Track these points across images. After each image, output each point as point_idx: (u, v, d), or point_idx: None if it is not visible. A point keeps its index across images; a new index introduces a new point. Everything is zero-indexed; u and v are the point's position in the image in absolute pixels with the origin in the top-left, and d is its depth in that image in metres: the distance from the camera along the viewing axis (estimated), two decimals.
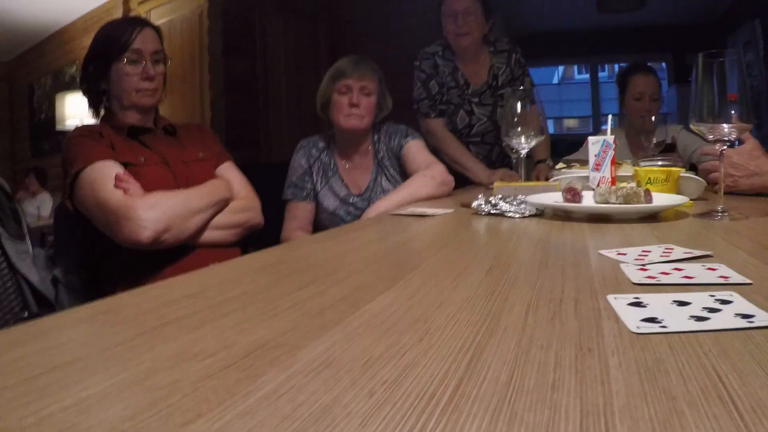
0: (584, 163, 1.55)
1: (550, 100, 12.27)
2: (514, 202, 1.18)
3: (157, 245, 1.36)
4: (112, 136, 1.52)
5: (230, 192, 1.58)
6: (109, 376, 0.39)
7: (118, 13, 5.03)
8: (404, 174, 2.01)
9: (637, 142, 2.57)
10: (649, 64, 3.22)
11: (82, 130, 1.54)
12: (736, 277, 0.59)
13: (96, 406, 0.34)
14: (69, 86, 5.70)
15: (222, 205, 1.53)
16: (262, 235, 1.71)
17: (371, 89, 1.97)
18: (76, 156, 1.43)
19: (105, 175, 1.38)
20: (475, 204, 1.23)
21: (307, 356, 0.41)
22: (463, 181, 2.36)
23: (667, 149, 2.29)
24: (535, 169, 2.33)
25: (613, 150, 1.36)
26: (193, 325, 0.51)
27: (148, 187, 1.41)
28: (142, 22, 1.62)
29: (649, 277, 0.60)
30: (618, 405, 0.31)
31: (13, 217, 1.45)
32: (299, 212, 2.01)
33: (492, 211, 1.19)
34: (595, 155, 1.36)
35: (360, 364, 0.39)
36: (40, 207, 5.46)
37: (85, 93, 1.64)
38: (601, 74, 8.68)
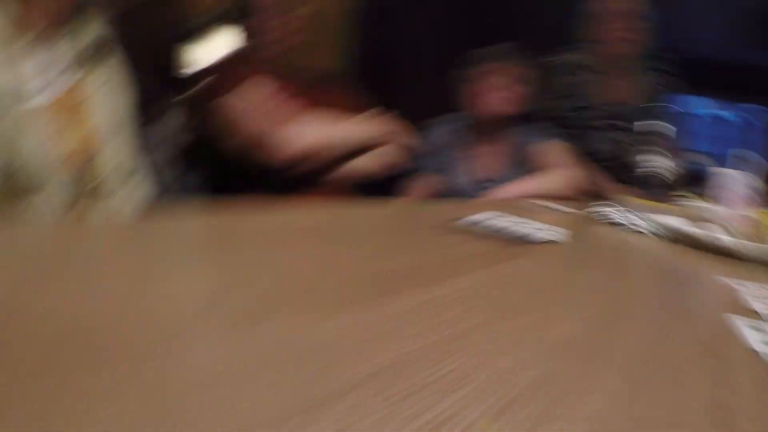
0: (716, 197, 1.53)
1: (691, 131, 11.63)
2: (642, 218, 1.20)
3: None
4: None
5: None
6: None
7: None
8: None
9: None
10: None
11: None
12: None
13: None
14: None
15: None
16: None
17: (517, 74, 1.99)
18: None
19: (253, 103, 1.50)
20: (605, 210, 1.26)
21: (448, 288, 0.48)
22: None
23: None
24: (664, 194, 2.26)
25: (754, 187, 1.35)
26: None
27: None
28: None
29: None
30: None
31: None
32: (423, 184, 2.00)
33: (621, 221, 1.22)
34: (733, 191, 1.35)
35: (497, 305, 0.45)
36: None
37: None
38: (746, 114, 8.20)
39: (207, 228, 0.61)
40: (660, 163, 1.59)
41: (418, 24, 3.84)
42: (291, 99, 1.60)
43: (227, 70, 1.59)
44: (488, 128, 2.03)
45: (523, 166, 2.02)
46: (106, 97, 1.13)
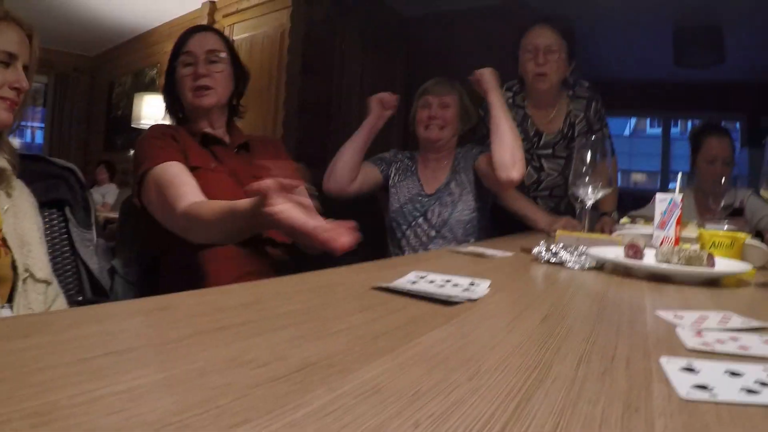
0: (649, 219, 1.54)
1: (620, 151, 12.00)
2: (575, 253, 1.18)
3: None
4: (185, 139, 1.56)
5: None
6: (162, 369, 0.42)
7: (203, 22, 5.23)
8: (478, 184, 2.22)
9: (704, 204, 2.51)
10: (723, 124, 3.16)
11: (155, 131, 1.57)
12: None
13: (147, 396, 0.36)
14: (148, 87, 5.94)
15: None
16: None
17: (449, 103, 2.23)
18: (146, 155, 1.47)
19: (172, 175, 1.40)
20: (535, 250, 1.23)
21: (358, 379, 0.43)
22: (520, 227, 2.32)
23: (734, 213, 2.24)
24: (599, 221, 2.26)
25: (680, 209, 1.35)
26: (247, 333, 0.54)
27: (214, 192, 1.41)
28: (202, 27, 1.70)
29: (705, 343, 0.61)
30: None
31: (84, 206, 1.52)
32: (367, 170, 2.27)
33: (552, 260, 1.20)
34: (662, 213, 1.36)
35: (408, 394, 0.40)
36: (105, 195, 5.69)
37: (165, 101, 1.72)
38: (673, 130, 8.51)
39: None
40: (592, 193, 1.59)
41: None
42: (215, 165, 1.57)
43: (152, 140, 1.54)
44: (431, 154, 2.29)
45: (461, 177, 2.24)
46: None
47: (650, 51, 6.13)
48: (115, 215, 4.22)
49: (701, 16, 5.14)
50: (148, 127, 1.65)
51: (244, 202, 1.08)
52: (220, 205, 1.21)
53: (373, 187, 2.31)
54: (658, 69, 6.51)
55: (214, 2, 5.21)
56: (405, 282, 0.84)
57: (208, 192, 1.41)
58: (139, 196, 1.49)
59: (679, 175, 1.48)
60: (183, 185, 1.37)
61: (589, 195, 1.57)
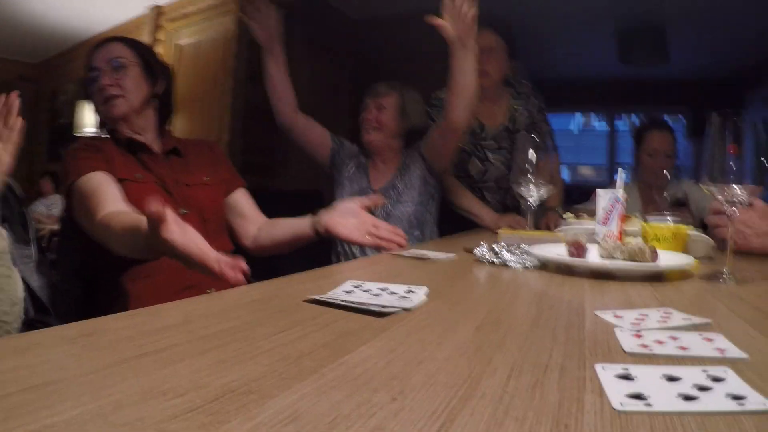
0: (593, 213, 1.54)
1: (568, 146, 12.34)
2: (517, 252, 1.16)
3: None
4: (110, 149, 1.53)
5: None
6: (79, 404, 0.39)
7: (147, 28, 5.12)
8: (424, 181, 2.28)
9: (648, 196, 2.56)
10: (666, 118, 3.22)
11: (80, 143, 1.55)
12: (732, 351, 0.57)
13: None
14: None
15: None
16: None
17: (385, 104, 2.29)
18: (70, 169, 1.44)
19: (94, 186, 1.39)
20: (477, 251, 1.21)
21: (275, 407, 0.40)
22: (470, 224, 2.36)
23: (678, 204, 2.27)
24: (545, 217, 2.30)
25: (623, 204, 1.35)
26: (169, 359, 0.51)
27: (141, 204, 1.37)
28: (107, 39, 1.65)
29: (643, 345, 0.59)
30: None
31: (21, 222, 1.46)
32: (318, 129, 2.39)
33: (494, 260, 1.18)
34: (603, 208, 1.35)
35: (327, 421, 0.38)
36: (50, 207, 5.52)
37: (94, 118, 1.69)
38: (619, 122, 8.69)
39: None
40: (535, 191, 1.58)
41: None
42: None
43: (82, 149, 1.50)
44: (376, 155, 2.35)
45: (408, 180, 2.30)
46: None
47: (596, 49, 6.24)
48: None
49: (645, 16, 5.25)
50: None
51: (146, 222, 1.01)
52: (130, 218, 1.18)
53: (315, 146, 2.39)
54: (604, 66, 6.62)
55: (159, 7, 5.10)
56: (339, 292, 0.80)
57: (135, 204, 1.38)
58: (70, 210, 1.46)
59: (620, 170, 1.47)
60: (103, 194, 1.36)
61: (532, 193, 1.56)
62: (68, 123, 5.92)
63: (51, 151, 6.61)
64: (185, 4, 4.84)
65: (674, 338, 0.62)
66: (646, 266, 1.06)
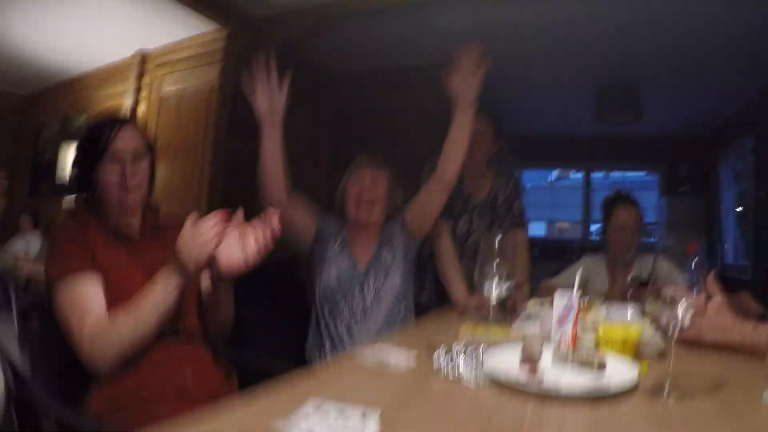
0: (564, 287, 1.61)
1: (544, 202, 12.71)
2: (473, 361, 1.23)
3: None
4: (96, 237, 1.56)
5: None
6: None
7: (133, 72, 5.18)
8: (406, 251, 2.35)
9: (616, 273, 2.68)
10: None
11: (71, 225, 1.58)
12: None
13: None
14: (75, 134, 5.82)
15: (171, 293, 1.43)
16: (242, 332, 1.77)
17: (380, 178, 2.32)
18: (56, 257, 1.49)
19: (74, 298, 1.44)
20: (435, 357, 1.27)
21: None
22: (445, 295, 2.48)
23: (643, 284, 2.36)
24: (513, 294, 2.38)
25: (578, 308, 1.42)
26: None
27: (124, 295, 1.44)
28: (122, 121, 1.65)
29: None
30: None
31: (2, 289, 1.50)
32: (306, 212, 2.34)
33: (449, 374, 1.23)
34: (560, 312, 1.43)
35: None
36: (29, 243, 5.47)
37: (75, 188, 1.69)
38: (596, 175, 8.86)
39: None
40: (497, 288, 1.66)
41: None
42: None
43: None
44: (359, 228, 2.34)
45: (392, 251, 2.33)
46: None
47: (573, 106, 6.42)
48: (39, 269, 4.08)
49: (620, 76, 5.44)
50: (62, 220, 1.64)
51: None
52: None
53: (298, 231, 2.34)
54: (581, 123, 6.80)
55: (146, 52, 5.17)
56: (301, 417, 0.88)
57: (122, 294, 1.45)
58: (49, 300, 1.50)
59: (578, 275, 1.55)
60: (86, 303, 1.44)
61: (494, 291, 1.64)
62: (51, 160, 5.94)
63: (32, 187, 6.59)
64: (171, 50, 4.91)
65: None
66: (588, 390, 1.12)
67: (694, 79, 5.25)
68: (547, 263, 4.57)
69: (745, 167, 6.08)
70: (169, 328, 1.51)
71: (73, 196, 4.56)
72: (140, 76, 5.17)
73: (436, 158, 2.32)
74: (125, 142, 1.60)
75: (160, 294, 1.40)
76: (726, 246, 6.85)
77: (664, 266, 2.63)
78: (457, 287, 2.44)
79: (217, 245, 1.41)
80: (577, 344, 1.39)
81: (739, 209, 6.45)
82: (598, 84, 5.67)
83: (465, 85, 2.09)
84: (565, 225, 12.66)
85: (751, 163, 5.83)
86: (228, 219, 1.44)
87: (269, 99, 2.18)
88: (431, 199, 2.30)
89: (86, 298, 1.44)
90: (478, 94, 2.10)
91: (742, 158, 6.21)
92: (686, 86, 5.46)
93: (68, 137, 5.84)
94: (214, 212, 1.43)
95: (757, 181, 5.63)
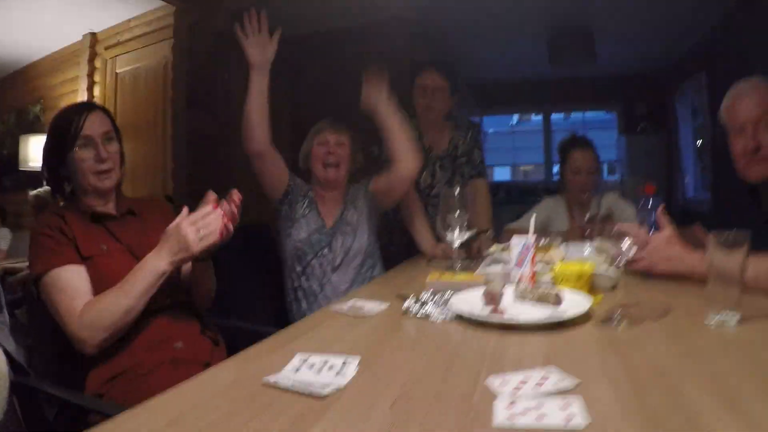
0: (524, 232, 1.72)
1: (506, 147, 12.91)
2: (441, 303, 1.34)
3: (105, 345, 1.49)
4: (74, 224, 1.61)
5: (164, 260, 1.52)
6: None
7: (84, 56, 5.12)
8: (370, 213, 2.46)
9: (574, 213, 2.81)
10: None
11: (45, 224, 1.60)
12: (577, 418, 0.73)
13: None
14: (32, 125, 5.77)
15: (157, 279, 1.51)
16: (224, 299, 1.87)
17: (344, 141, 2.42)
18: (39, 255, 1.54)
19: (61, 287, 1.50)
20: (405, 305, 1.39)
21: None
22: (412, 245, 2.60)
23: (607, 218, 2.48)
24: (477, 239, 2.50)
25: (534, 249, 1.54)
26: None
27: (111, 277, 1.51)
28: (90, 106, 1.70)
29: (511, 416, 0.75)
30: None
31: None
32: (281, 165, 2.38)
33: (419, 314, 1.35)
34: (517, 253, 1.54)
35: None
36: None
37: (47, 181, 1.73)
38: (556, 117, 9.01)
39: None
40: (459, 236, 1.78)
41: None
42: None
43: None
44: (326, 188, 2.45)
45: (357, 212, 2.45)
46: None
47: (528, 52, 6.48)
48: (12, 264, 4.10)
49: (573, 18, 5.50)
50: (37, 217, 1.68)
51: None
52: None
53: (274, 180, 2.39)
54: (537, 67, 6.88)
55: (95, 34, 5.12)
56: (290, 371, 0.99)
57: (107, 277, 1.52)
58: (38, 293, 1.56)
59: (533, 217, 1.67)
60: (73, 292, 1.50)
61: (456, 239, 1.76)
62: (11, 154, 5.86)
63: None
64: (121, 30, 4.87)
65: (537, 407, 0.78)
66: (544, 319, 1.24)
67: (646, 17, 5.34)
68: (513, 206, 4.71)
69: (701, 102, 6.23)
70: (160, 303, 1.59)
71: (38, 190, 4.58)
72: (92, 58, 5.12)
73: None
74: (96, 126, 1.64)
75: (148, 278, 1.49)
76: (687, 180, 7.04)
77: (618, 203, 2.78)
78: (423, 238, 2.58)
79: (222, 233, 1.52)
80: (536, 282, 1.51)
81: (699, 143, 6.62)
82: (551, 27, 5.74)
83: (378, 96, 2.29)
84: (528, 167, 12.89)
85: (707, 98, 5.98)
86: (217, 202, 1.55)
87: (261, 47, 2.23)
88: (392, 189, 2.44)
89: (73, 288, 1.50)
90: (395, 99, 2.32)
91: (698, 94, 6.34)
92: (639, 24, 5.56)
93: (26, 128, 5.78)
94: (206, 198, 1.55)
95: (713, 117, 5.77)
